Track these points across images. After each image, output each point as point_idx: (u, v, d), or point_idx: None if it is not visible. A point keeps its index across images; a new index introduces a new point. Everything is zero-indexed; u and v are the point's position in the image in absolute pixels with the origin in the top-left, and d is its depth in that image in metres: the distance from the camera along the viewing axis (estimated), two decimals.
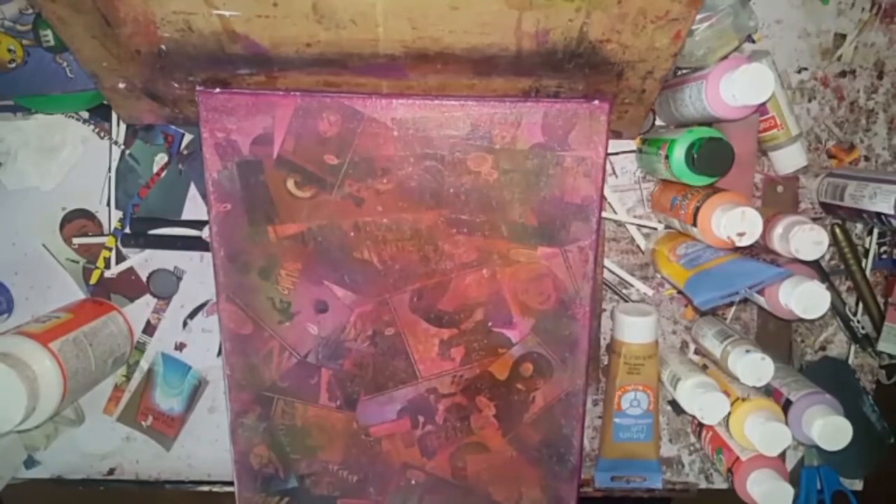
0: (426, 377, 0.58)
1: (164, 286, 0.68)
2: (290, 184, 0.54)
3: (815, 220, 0.66)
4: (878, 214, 0.58)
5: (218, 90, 0.52)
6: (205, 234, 0.65)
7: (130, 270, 0.68)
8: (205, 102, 0.52)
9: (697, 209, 0.56)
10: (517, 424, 0.60)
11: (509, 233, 0.56)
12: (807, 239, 0.54)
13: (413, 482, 0.60)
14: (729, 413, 0.59)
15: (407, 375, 0.58)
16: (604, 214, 0.64)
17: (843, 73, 0.66)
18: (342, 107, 0.53)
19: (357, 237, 0.55)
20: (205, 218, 0.65)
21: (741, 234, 0.52)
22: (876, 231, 0.67)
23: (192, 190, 0.66)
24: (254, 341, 0.57)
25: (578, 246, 0.56)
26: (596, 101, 0.53)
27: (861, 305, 0.68)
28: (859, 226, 0.68)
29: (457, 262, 0.56)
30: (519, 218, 0.56)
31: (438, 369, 0.58)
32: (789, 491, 0.57)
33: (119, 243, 0.67)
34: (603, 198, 0.56)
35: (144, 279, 0.68)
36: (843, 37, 0.65)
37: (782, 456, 0.60)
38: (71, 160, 0.65)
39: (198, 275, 0.68)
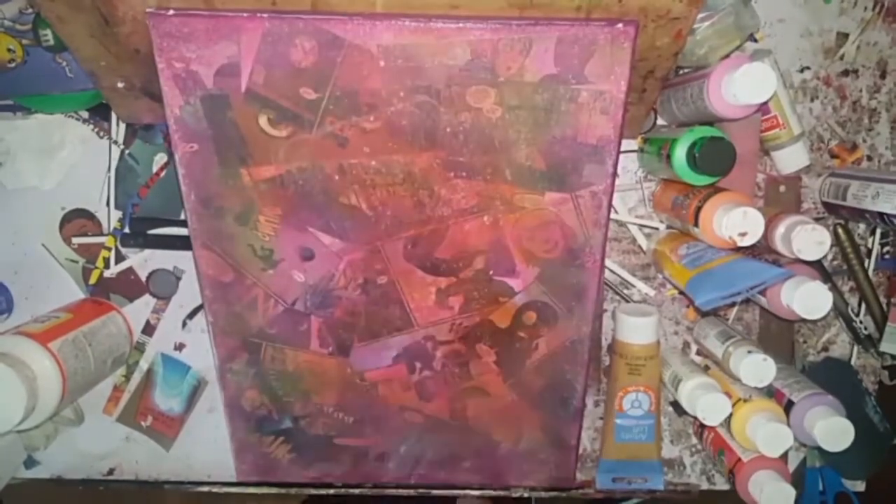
0: (422, 325, 0.56)
1: (163, 286, 0.67)
2: (263, 121, 0.49)
3: (817, 220, 0.66)
4: (881, 214, 0.58)
5: (171, 12, 0.46)
6: None
7: (130, 270, 0.67)
8: (157, 27, 0.46)
9: (699, 209, 0.55)
10: (519, 371, 0.58)
11: (514, 177, 0.51)
12: (809, 239, 0.53)
13: (412, 423, 0.58)
14: (730, 414, 0.59)
15: (402, 323, 0.56)
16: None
17: (845, 73, 0.65)
18: (318, 31, 0.46)
19: (342, 181, 0.51)
20: None
21: (743, 234, 0.52)
22: (879, 231, 0.67)
23: None
24: (236, 289, 0.54)
25: (591, 191, 0.51)
26: (620, 25, 0.46)
27: (864, 306, 0.68)
28: (862, 226, 0.68)
29: (455, 209, 0.52)
30: (525, 160, 0.50)
31: (435, 317, 0.55)
32: (791, 492, 0.57)
33: (118, 243, 0.67)
34: (621, 138, 0.51)
35: (144, 279, 0.67)
36: (846, 36, 0.65)
37: (784, 457, 0.60)
38: (70, 160, 0.65)
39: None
